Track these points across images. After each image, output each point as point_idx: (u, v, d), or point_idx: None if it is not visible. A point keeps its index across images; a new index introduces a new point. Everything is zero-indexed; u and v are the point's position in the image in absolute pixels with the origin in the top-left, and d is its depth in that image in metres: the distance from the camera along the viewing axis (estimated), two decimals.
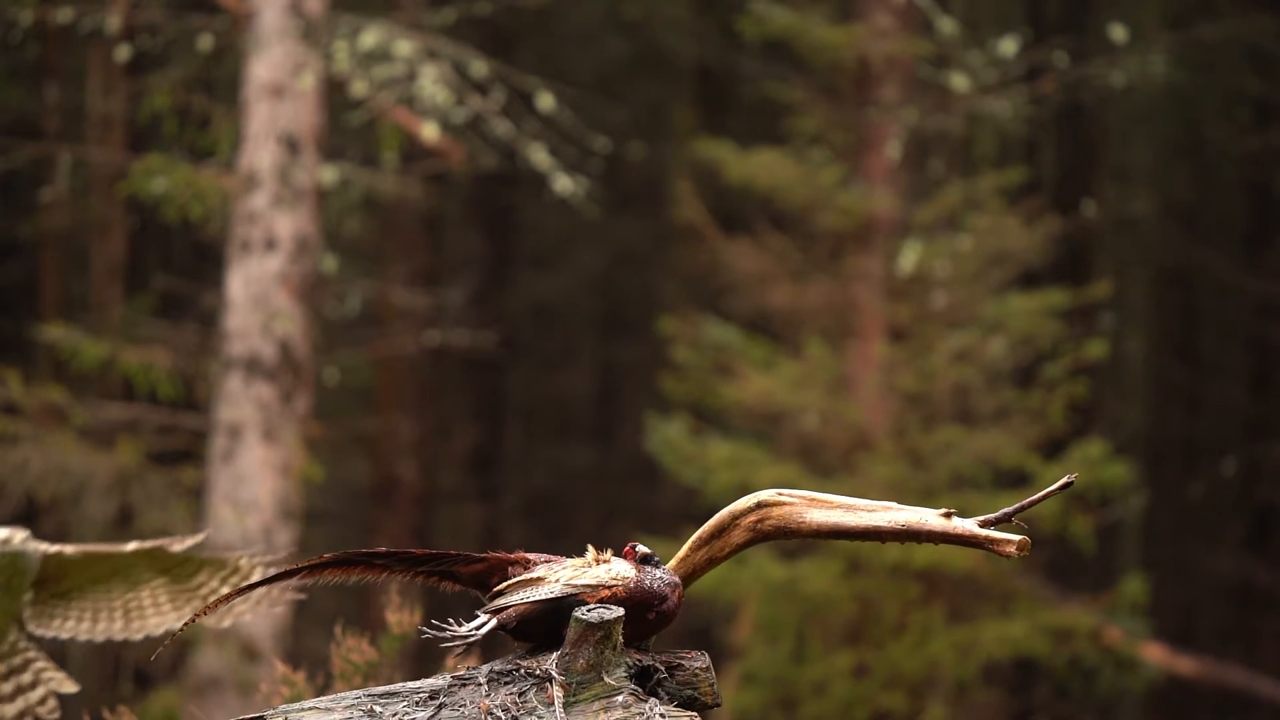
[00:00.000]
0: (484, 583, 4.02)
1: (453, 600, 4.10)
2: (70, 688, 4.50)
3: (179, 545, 4.43)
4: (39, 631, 4.48)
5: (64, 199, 13.95)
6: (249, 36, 11.64)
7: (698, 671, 3.94)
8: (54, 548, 4.42)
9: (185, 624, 4.15)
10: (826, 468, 12.93)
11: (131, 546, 4.47)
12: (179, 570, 4.47)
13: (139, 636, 4.53)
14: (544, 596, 3.91)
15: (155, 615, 4.51)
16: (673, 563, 4.07)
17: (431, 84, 12.07)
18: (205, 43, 12.32)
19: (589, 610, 3.82)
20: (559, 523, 18.31)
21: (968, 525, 4.06)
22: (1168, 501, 17.12)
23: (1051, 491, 4.06)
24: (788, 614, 12.73)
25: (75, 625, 4.49)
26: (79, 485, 11.98)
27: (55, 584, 4.43)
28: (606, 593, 3.90)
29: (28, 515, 12.66)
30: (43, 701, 4.49)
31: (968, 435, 12.93)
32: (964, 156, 14.94)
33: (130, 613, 4.50)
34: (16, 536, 4.37)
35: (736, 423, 13.37)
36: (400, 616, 5.34)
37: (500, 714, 3.79)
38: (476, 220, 18.59)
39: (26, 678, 4.46)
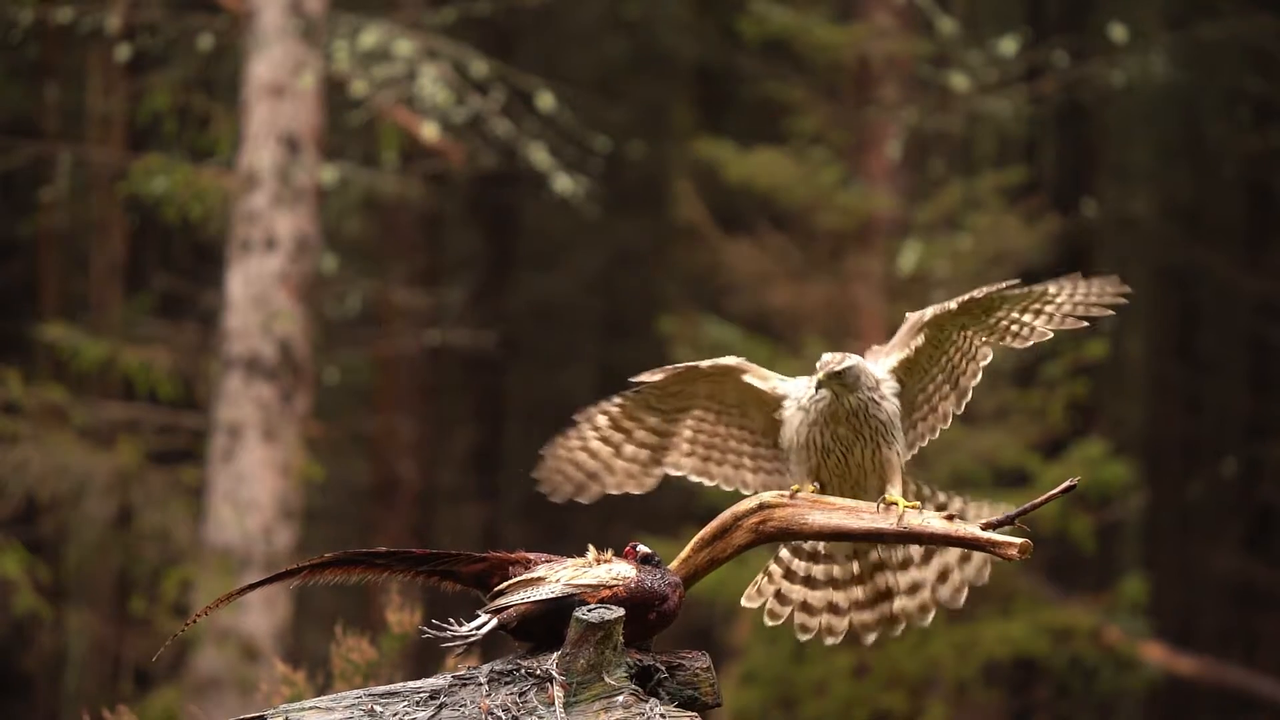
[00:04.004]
0: (485, 582, 4.02)
1: (453, 600, 4.10)
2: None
3: (993, 289, 4.52)
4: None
5: (64, 199, 13.95)
6: (249, 36, 11.63)
7: (698, 671, 3.94)
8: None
9: (187, 624, 4.15)
10: None
11: (976, 293, 4.54)
12: (981, 312, 4.60)
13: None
14: (545, 596, 3.91)
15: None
16: (675, 563, 4.07)
17: (431, 84, 12.07)
18: (205, 42, 12.31)
19: (590, 610, 3.82)
20: (559, 523, 18.29)
21: (970, 528, 4.06)
22: (1168, 501, 17.10)
23: (1054, 494, 4.06)
24: None
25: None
26: (79, 485, 11.98)
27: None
28: (607, 593, 3.90)
29: (27, 515, 12.67)
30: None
31: (968, 435, 12.92)
32: (964, 156, 14.93)
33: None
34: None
35: None
36: (400, 616, 5.34)
37: (500, 714, 3.78)
38: (476, 220, 18.59)
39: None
